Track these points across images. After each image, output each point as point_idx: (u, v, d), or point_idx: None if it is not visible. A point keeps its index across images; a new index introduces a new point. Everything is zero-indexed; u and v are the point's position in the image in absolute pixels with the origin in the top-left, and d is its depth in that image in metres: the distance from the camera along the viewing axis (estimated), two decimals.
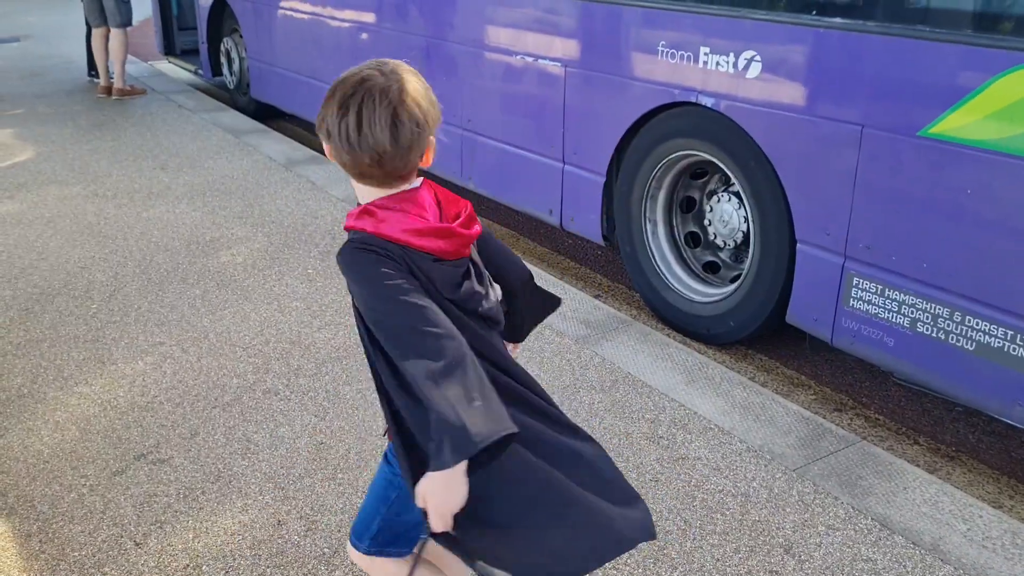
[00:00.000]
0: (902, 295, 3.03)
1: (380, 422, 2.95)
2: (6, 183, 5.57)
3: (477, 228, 1.59)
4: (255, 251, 4.44)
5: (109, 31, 7.91)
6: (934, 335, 2.96)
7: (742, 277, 3.64)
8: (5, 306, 3.85)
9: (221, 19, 7.99)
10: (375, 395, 3.00)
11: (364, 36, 5.86)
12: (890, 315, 3.08)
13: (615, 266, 4.76)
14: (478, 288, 1.57)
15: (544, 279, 4.16)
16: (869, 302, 3.14)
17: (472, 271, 1.58)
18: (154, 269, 4.23)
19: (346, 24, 6.01)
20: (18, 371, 3.32)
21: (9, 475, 2.71)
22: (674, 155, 3.79)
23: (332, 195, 5.31)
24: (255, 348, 3.46)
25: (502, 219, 5.36)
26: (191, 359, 3.39)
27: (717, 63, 3.46)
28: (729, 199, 3.73)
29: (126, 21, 7.86)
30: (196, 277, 4.13)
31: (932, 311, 2.95)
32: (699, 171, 3.93)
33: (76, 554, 2.37)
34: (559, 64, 4.24)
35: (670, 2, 3.71)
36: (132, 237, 4.64)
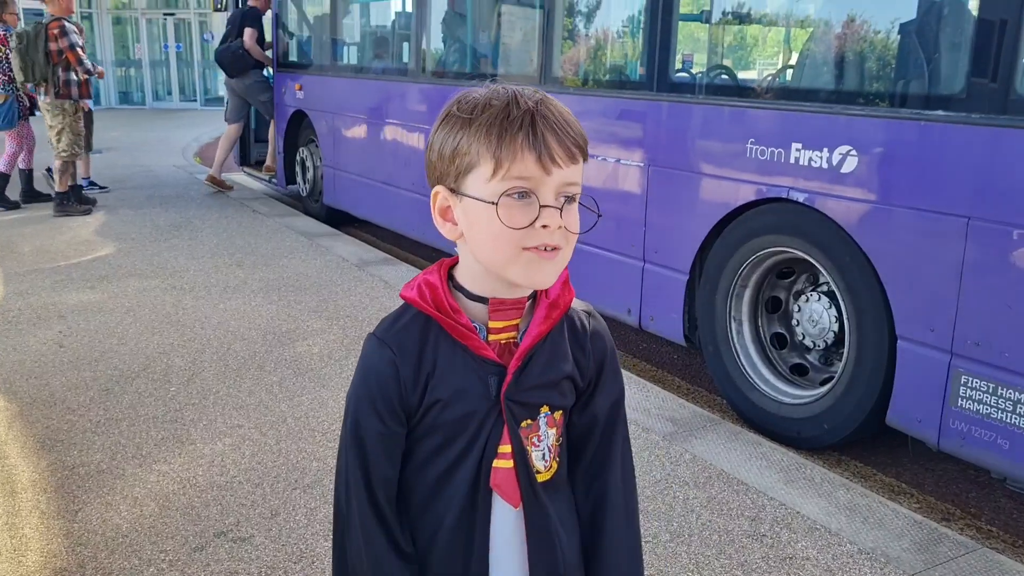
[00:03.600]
0: (1017, 393, 2.87)
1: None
2: (89, 275, 5.70)
3: None
4: (331, 342, 4.42)
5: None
6: None
7: (836, 377, 3.51)
8: (85, 386, 3.85)
9: (298, 130, 8.30)
10: None
11: None
12: (1004, 415, 2.91)
13: (692, 369, 4.64)
14: None
15: (624, 378, 4.05)
16: (980, 401, 2.98)
17: None
18: (232, 356, 4.23)
19: (418, 130, 6.17)
20: (97, 448, 3.28)
21: (87, 547, 2.62)
22: (762, 252, 3.73)
23: None
24: (334, 433, 3.38)
25: None
26: (270, 442, 3.32)
27: (810, 159, 3.44)
28: (819, 298, 3.63)
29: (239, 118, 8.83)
30: (273, 365, 4.11)
31: None
32: (785, 270, 3.86)
33: None
34: (641, 162, 4.26)
35: (760, 100, 3.74)
36: (210, 327, 4.67)
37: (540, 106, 1.07)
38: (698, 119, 4.00)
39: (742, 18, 4.50)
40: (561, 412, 1.22)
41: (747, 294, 3.91)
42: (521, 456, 1.18)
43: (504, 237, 1.08)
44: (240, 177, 10.22)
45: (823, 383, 3.67)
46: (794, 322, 3.79)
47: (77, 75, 7.63)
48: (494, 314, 1.16)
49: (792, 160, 3.51)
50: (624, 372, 4.05)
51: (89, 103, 8.53)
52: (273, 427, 3.45)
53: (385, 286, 5.51)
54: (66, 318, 4.79)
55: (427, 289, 1.16)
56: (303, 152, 8.24)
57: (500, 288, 1.15)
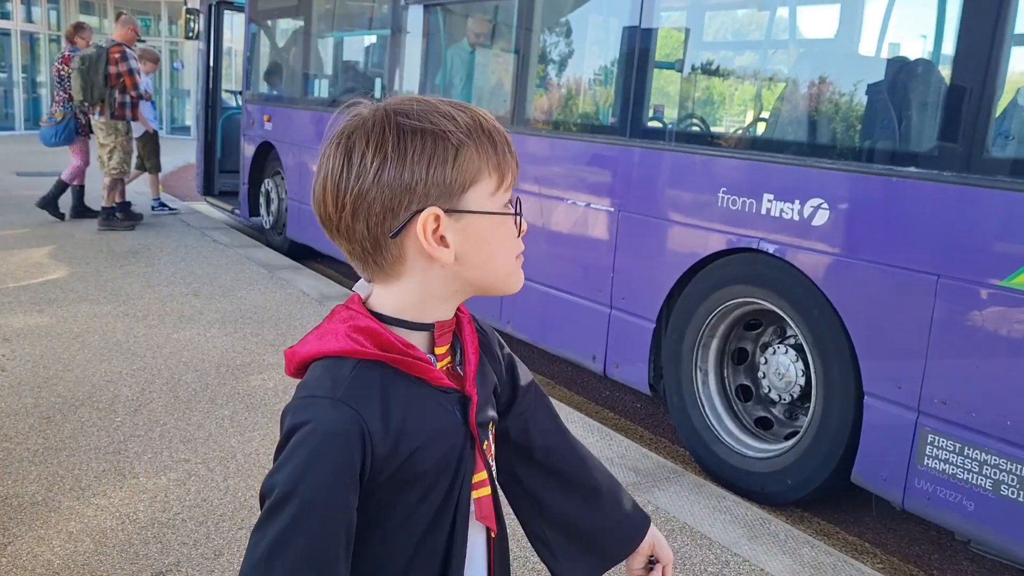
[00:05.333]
0: (984, 454, 2.84)
1: None
2: (38, 298, 5.50)
3: None
4: (287, 378, 4.27)
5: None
6: (1020, 499, 2.75)
7: (802, 432, 3.46)
8: (26, 413, 3.67)
9: (264, 161, 8.20)
10: None
11: None
12: (970, 476, 2.88)
13: (655, 419, 4.57)
14: None
15: (587, 425, 3.98)
16: (946, 461, 2.95)
17: None
18: (182, 388, 4.07)
19: None
20: (32, 478, 3.11)
21: None
22: (730, 303, 3.70)
23: None
24: None
25: (539, 366, 5.23)
26: (217, 478, 3.18)
27: (781, 210, 3.43)
28: (786, 351, 3.60)
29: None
30: (225, 398, 3.97)
31: (1018, 472, 2.76)
32: (753, 322, 3.83)
33: None
34: (611, 207, 4.23)
35: (733, 149, 3.74)
36: (161, 356, 4.51)
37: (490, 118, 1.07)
38: (670, 167, 3.98)
39: (717, 68, 4.53)
40: (494, 423, 1.20)
41: (714, 344, 3.86)
42: (492, 479, 1.14)
43: (511, 247, 1.07)
44: (202, 206, 10.06)
45: (787, 437, 3.62)
46: (760, 374, 3.76)
47: (131, 98, 7.93)
48: (440, 339, 1.09)
49: (763, 211, 3.50)
50: (587, 419, 3.99)
51: (155, 125, 9.09)
52: (221, 463, 3.31)
53: None
54: (10, 341, 4.60)
55: (362, 335, 1.02)
56: (268, 184, 8.14)
57: (445, 311, 1.09)
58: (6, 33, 19.48)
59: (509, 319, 4.96)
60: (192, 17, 9.57)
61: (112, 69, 7.73)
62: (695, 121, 4.47)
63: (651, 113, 4.26)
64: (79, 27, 8.71)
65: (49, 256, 6.78)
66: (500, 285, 1.09)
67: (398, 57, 6.13)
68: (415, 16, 6.00)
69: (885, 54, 3.82)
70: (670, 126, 4.37)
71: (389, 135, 0.99)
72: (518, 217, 1.08)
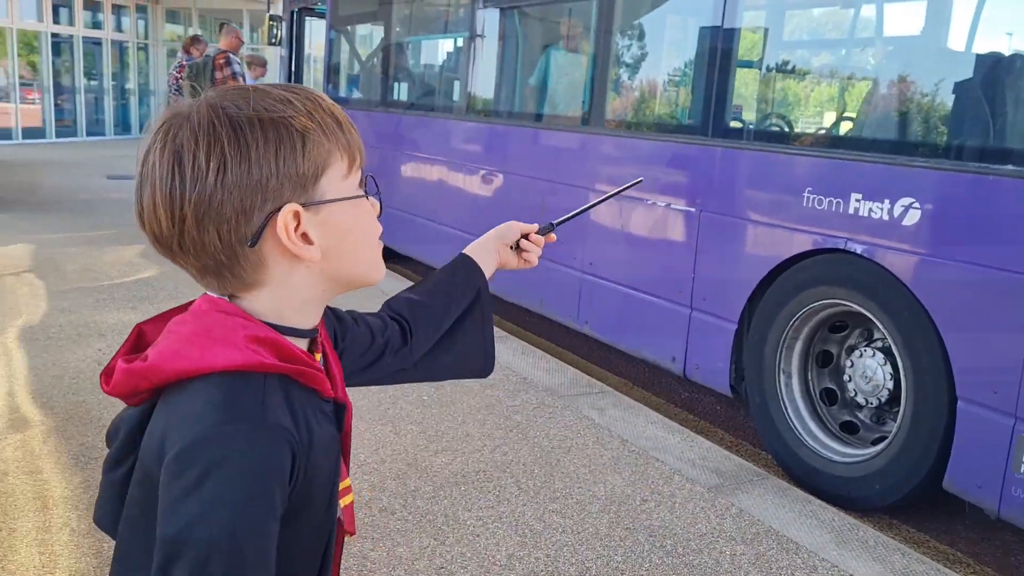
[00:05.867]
0: None
1: (504, 551, 2.74)
2: (130, 296, 5.72)
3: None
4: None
5: None
6: None
7: (891, 436, 3.38)
8: (121, 405, 3.81)
9: None
10: (497, 523, 2.81)
11: (487, 180, 5.99)
12: None
13: (735, 421, 4.52)
14: None
15: (667, 426, 3.95)
16: None
17: None
18: None
19: (471, 169, 6.17)
20: None
21: None
22: (815, 304, 3.63)
23: None
24: (370, 466, 3.31)
25: (616, 366, 5.22)
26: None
27: (870, 210, 3.36)
28: (873, 354, 3.52)
29: None
30: None
31: None
32: (838, 324, 3.75)
33: None
34: (693, 208, 4.20)
35: (819, 148, 3.67)
36: None
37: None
38: (754, 166, 3.93)
39: (801, 66, 4.46)
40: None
41: (798, 346, 3.80)
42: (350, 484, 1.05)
43: (374, 232, 0.98)
44: None
45: (875, 442, 3.54)
46: (846, 378, 3.68)
47: None
48: (318, 344, 0.99)
49: (851, 211, 3.43)
50: (667, 421, 3.97)
51: None
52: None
53: None
54: (105, 336, 4.79)
55: (262, 345, 0.88)
56: None
57: (317, 314, 0.97)
58: (97, 42, 20.25)
59: (587, 320, 4.96)
60: (275, 24, 9.81)
61: (218, 75, 8.11)
62: (779, 120, 4.41)
63: (733, 112, 4.21)
64: (195, 39, 9.27)
65: (139, 256, 7.03)
66: (368, 275, 0.98)
67: (475, 59, 6.19)
68: (491, 18, 6.05)
69: (978, 49, 3.70)
70: (753, 125, 4.32)
71: (222, 130, 0.86)
72: (376, 196, 0.98)
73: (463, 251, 1.39)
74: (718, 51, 4.06)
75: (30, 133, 18.22)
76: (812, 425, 3.76)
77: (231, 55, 8.29)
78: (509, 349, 4.97)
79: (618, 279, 4.71)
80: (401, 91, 7.87)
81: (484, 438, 3.60)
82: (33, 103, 18.62)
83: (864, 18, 4.56)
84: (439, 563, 2.67)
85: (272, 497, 0.82)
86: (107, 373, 0.93)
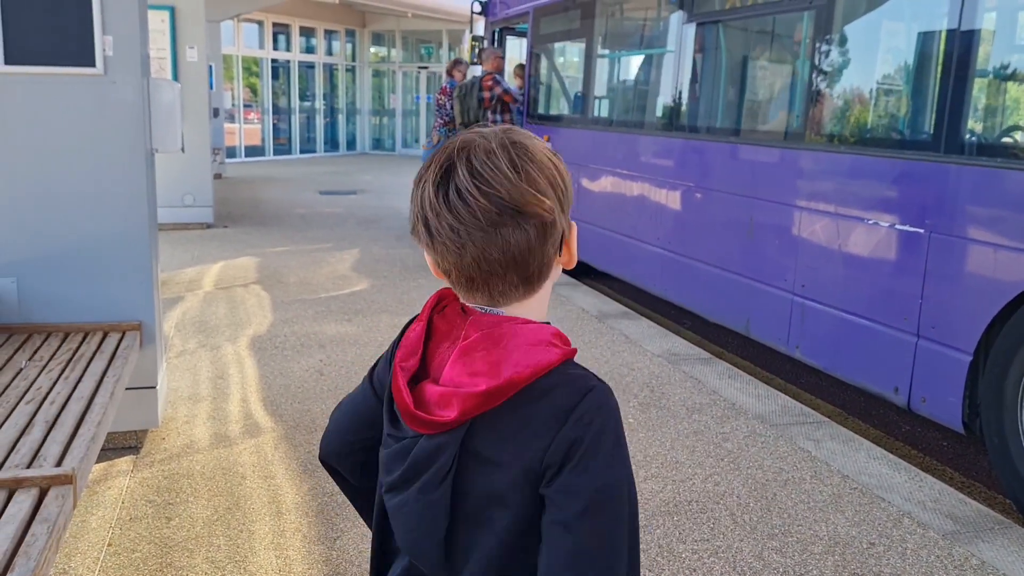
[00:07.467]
0: None
1: None
2: (345, 308, 6.04)
3: None
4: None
5: None
6: None
7: None
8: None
9: None
10: (713, 558, 2.72)
11: (686, 196, 5.88)
12: None
13: (965, 460, 4.17)
14: None
15: (891, 463, 3.70)
16: None
17: None
18: None
19: (667, 185, 6.08)
20: None
21: None
22: None
23: (647, 350, 5.20)
24: None
25: (830, 395, 4.96)
26: None
27: None
28: None
29: None
30: None
31: None
32: None
33: None
34: (921, 229, 3.92)
35: None
36: None
37: None
38: (996, 185, 3.62)
39: None
40: None
41: None
42: None
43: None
44: None
45: None
46: None
47: (502, 120, 8.80)
48: None
49: None
50: (889, 456, 3.73)
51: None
52: None
53: (626, 340, 5.42)
54: (326, 348, 5.07)
55: (559, 340, 1.02)
56: None
57: None
58: (310, 66, 21.68)
59: (798, 344, 4.75)
60: (477, 43, 10.12)
61: (486, 94, 8.55)
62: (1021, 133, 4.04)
63: (972, 127, 3.90)
64: (456, 63, 9.84)
65: (352, 269, 7.43)
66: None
67: (676, 74, 6.09)
68: (690, 33, 5.94)
69: None
70: (998, 139, 3.98)
71: (543, 157, 1.03)
72: None
73: None
74: (953, 59, 3.77)
75: (251, 151, 19.77)
76: None
77: (497, 75, 8.69)
78: (715, 372, 4.84)
79: (834, 302, 4.47)
80: (602, 107, 7.88)
81: (695, 466, 3.51)
82: (253, 123, 20.20)
83: None
84: None
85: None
86: (421, 404, 1.00)
